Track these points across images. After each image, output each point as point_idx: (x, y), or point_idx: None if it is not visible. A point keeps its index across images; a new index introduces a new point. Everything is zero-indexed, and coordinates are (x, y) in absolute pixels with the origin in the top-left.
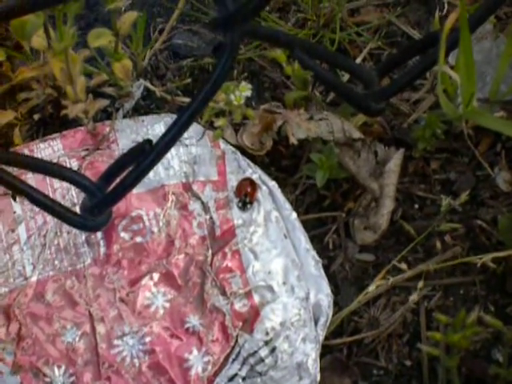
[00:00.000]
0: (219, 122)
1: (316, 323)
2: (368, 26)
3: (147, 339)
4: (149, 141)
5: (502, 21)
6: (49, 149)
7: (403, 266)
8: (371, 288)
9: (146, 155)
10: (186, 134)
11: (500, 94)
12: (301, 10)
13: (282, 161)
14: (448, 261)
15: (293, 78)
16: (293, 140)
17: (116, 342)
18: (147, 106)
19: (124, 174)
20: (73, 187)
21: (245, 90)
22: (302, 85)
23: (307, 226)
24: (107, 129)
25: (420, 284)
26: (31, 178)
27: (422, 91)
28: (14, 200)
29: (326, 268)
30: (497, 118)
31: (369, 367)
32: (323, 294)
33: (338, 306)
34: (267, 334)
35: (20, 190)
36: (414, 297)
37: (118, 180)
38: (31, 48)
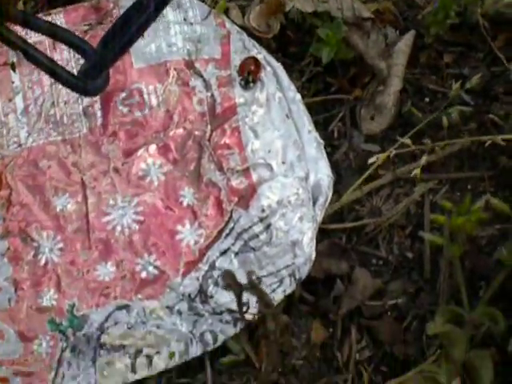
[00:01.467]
0: None
1: (315, 203)
2: None
3: (139, 209)
4: None
5: None
6: None
7: (408, 141)
8: (372, 159)
9: (144, 9)
10: (190, 13)
11: None
12: None
13: (289, 47)
14: (456, 152)
15: None
16: (298, 6)
17: (107, 210)
18: None
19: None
20: (72, 60)
21: None
22: None
23: (312, 111)
24: (111, 5)
25: (423, 164)
26: None
27: None
28: (14, 71)
29: (329, 156)
30: None
31: (368, 256)
32: (323, 175)
33: (338, 193)
34: (263, 210)
35: (21, 48)
36: (418, 187)
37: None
38: None
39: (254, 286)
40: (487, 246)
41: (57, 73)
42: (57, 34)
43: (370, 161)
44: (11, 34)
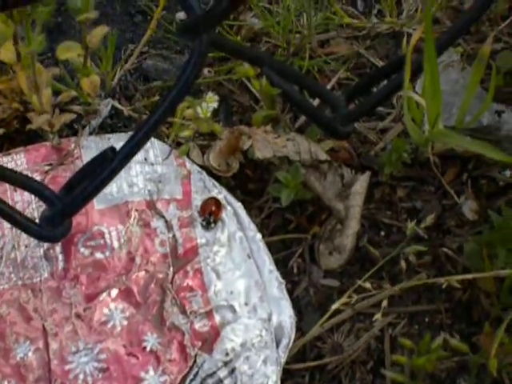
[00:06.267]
0: (185, 133)
1: (278, 345)
2: (337, 55)
3: (102, 356)
4: (112, 148)
5: (469, 56)
6: (12, 163)
7: (367, 285)
8: (334, 306)
9: (108, 163)
10: (151, 153)
11: (465, 124)
12: (271, 42)
13: (248, 184)
14: (413, 286)
15: (260, 95)
16: (258, 154)
17: (69, 358)
18: (114, 124)
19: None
20: (33, 202)
21: (212, 101)
22: (270, 103)
23: (272, 249)
24: (72, 145)
25: (384, 306)
26: None
27: (388, 120)
28: None
29: (290, 292)
30: (462, 136)
31: None
32: (286, 316)
33: (301, 331)
34: (227, 354)
35: None
36: (378, 322)
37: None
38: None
39: None
40: (446, 379)
41: (15, 219)
42: (16, 180)
43: (333, 307)
44: None
